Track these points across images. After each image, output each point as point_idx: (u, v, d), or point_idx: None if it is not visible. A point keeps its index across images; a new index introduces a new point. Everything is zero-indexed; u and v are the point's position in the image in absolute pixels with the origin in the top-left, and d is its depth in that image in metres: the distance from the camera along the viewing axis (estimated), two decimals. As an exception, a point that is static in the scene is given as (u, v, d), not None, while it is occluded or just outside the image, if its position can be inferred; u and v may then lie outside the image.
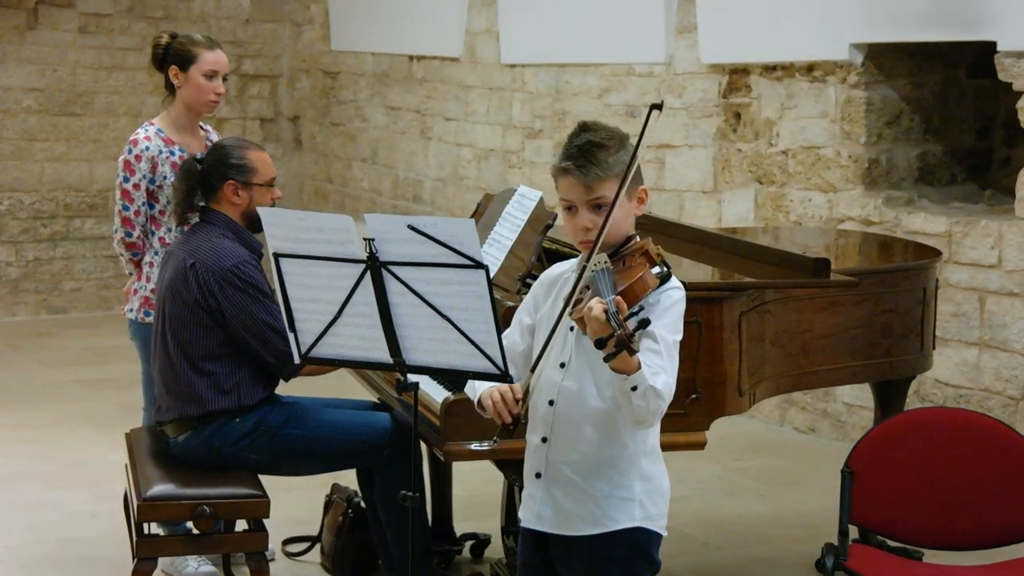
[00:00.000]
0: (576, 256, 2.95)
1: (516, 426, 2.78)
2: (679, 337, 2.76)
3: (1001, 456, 3.72)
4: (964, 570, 3.75)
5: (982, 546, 3.78)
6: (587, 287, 2.67)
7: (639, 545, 2.85)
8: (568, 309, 2.69)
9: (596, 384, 2.79)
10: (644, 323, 2.53)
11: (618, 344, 2.49)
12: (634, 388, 2.62)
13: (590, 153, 2.76)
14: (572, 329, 2.80)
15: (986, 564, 3.79)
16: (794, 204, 6.47)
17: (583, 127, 2.83)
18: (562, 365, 2.83)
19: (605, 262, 2.67)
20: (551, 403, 2.83)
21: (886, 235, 5.71)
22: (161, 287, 4.14)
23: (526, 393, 2.78)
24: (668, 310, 2.74)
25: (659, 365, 2.67)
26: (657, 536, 2.88)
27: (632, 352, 2.53)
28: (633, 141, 2.78)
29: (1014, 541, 3.72)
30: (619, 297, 2.56)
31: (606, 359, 2.55)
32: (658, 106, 2.69)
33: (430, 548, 4.25)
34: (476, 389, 2.89)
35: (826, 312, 4.25)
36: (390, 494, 3.96)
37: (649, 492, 2.85)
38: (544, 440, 2.85)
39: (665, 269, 2.75)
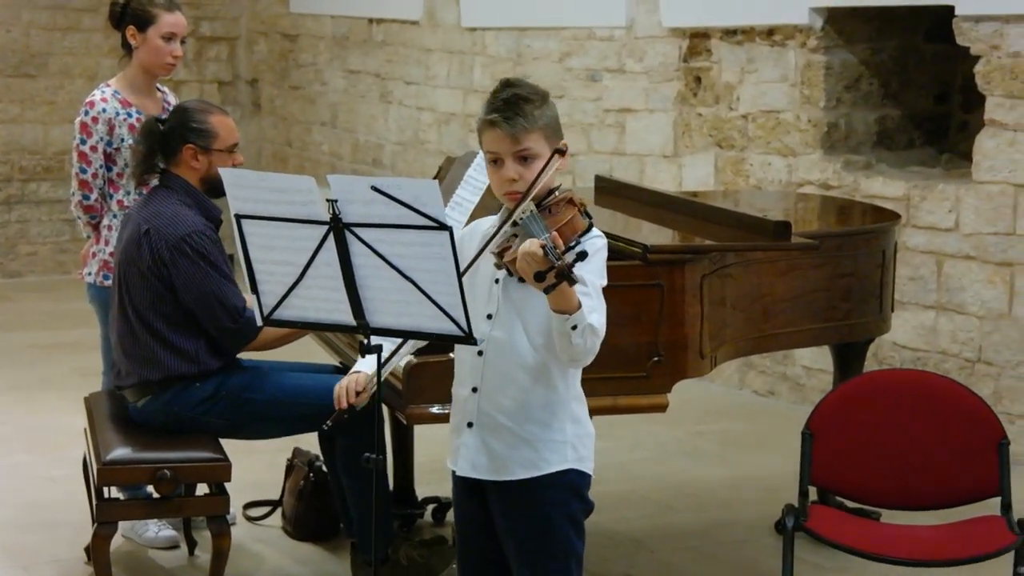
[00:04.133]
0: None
1: (349, 414, 3.07)
2: (604, 282, 2.88)
3: (958, 417, 3.76)
4: (921, 529, 3.80)
5: (939, 506, 3.82)
6: (515, 236, 2.79)
7: (575, 487, 2.95)
8: (493, 259, 2.81)
9: (526, 331, 2.89)
10: (582, 255, 2.69)
11: (559, 275, 2.62)
12: (574, 327, 2.73)
13: (516, 106, 2.88)
14: (497, 281, 2.91)
15: (943, 523, 3.83)
16: (754, 168, 6.48)
17: (507, 83, 2.94)
18: (489, 316, 2.91)
19: (532, 210, 2.80)
20: (480, 353, 2.92)
21: (845, 199, 5.73)
22: (119, 251, 4.11)
23: (376, 387, 3.02)
24: (593, 256, 2.84)
25: (591, 306, 2.78)
26: (589, 477, 2.99)
27: (572, 282, 2.65)
28: (552, 100, 2.95)
29: (970, 500, 3.76)
30: (555, 233, 2.70)
31: (546, 291, 2.66)
32: (561, 151, 2.86)
33: (391, 511, 4.25)
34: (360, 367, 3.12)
35: (786, 276, 4.27)
36: (352, 458, 3.95)
37: (579, 435, 2.96)
38: (474, 390, 2.94)
39: (589, 219, 2.87)
